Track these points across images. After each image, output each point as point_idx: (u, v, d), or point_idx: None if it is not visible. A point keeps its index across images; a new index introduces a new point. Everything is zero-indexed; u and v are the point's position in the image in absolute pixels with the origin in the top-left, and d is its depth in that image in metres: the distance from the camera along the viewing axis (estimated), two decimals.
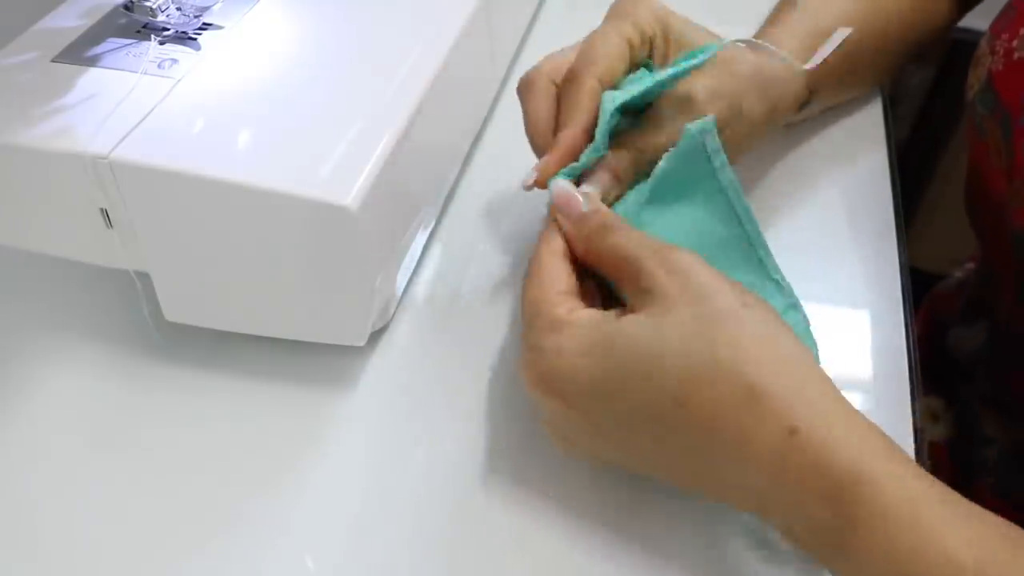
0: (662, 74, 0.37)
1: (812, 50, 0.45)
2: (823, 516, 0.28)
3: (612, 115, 0.36)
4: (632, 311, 0.31)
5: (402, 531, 0.36)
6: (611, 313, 0.32)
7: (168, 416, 0.40)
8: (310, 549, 0.35)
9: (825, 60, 0.45)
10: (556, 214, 0.36)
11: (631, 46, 0.39)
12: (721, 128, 0.38)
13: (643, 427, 0.31)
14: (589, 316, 0.32)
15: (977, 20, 0.55)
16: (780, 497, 0.28)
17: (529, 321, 0.33)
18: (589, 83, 0.37)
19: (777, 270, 0.37)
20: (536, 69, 0.40)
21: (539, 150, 0.39)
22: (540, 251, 0.35)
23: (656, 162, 0.37)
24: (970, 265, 0.67)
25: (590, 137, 0.37)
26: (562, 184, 0.36)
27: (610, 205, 0.37)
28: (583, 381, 0.31)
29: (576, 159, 0.37)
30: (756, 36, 0.47)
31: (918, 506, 0.27)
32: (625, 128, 0.39)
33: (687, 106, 0.39)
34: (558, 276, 0.34)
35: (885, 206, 0.48)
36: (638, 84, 0.37)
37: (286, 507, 0.36)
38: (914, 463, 0.28)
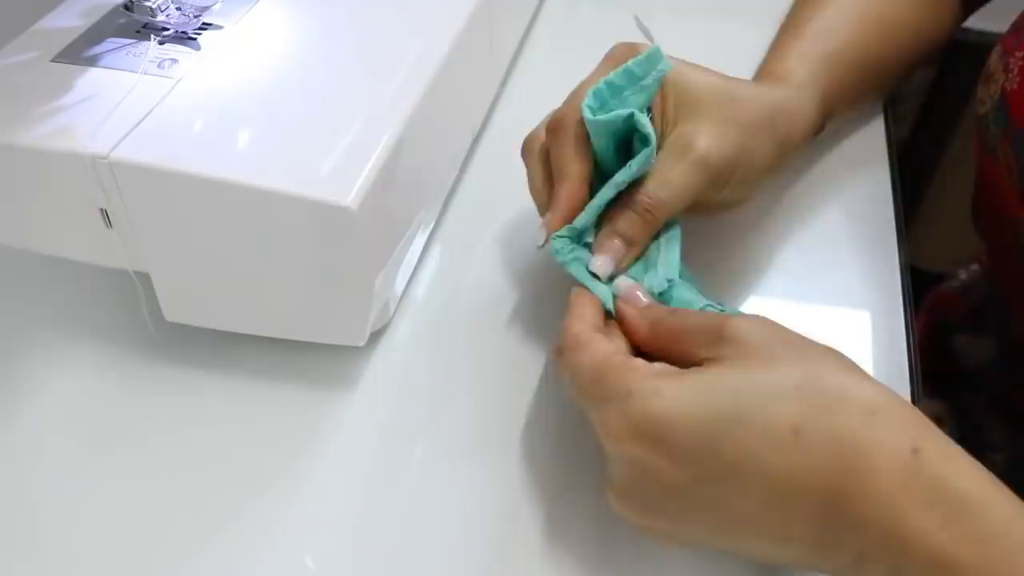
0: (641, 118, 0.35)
1: (824, 76, 0.44)
2: (939, 542, 0.26)
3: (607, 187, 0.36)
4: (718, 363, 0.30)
5: (401, 531, 0.36)
6: (695, 368, 0.30)
7: (168, 416, 0.40)
8: (310, 549, 0.35)
9: (840, 83, 0.44)
10: (619, 304, 0.35)
11: None
12: (731, 171, 0.37)
13: (753, 473, 0.28)
14: (671, 366, 0.30)
15: (977, 21, 0.55)
16: (899, 528, 0.26)
17: (597, 378, 0.30)
18: (574, 129, 0.36)
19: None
20: (534, 131, 0.40)
21: (540, 209, 0.39)
22: (573, 327, 0.33)
23: (667, 221, 0.37)
24: (974, 267, 0.66)
25: (588, 181, 0.37)
26: (626, 281, 0.36)
27: (626, 270, 0.36)
28: (691, 422, 0.28)
29: (581, 208, 0.36)
30: (762, 62, 0.47)
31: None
32: (629, 188, 0.37)
33: (687, 153, 0.37)
34: (604, 341, 0.32)
35: (885, 206, 0.48)
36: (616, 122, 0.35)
37: (286, 507, 0.37)
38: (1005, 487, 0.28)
